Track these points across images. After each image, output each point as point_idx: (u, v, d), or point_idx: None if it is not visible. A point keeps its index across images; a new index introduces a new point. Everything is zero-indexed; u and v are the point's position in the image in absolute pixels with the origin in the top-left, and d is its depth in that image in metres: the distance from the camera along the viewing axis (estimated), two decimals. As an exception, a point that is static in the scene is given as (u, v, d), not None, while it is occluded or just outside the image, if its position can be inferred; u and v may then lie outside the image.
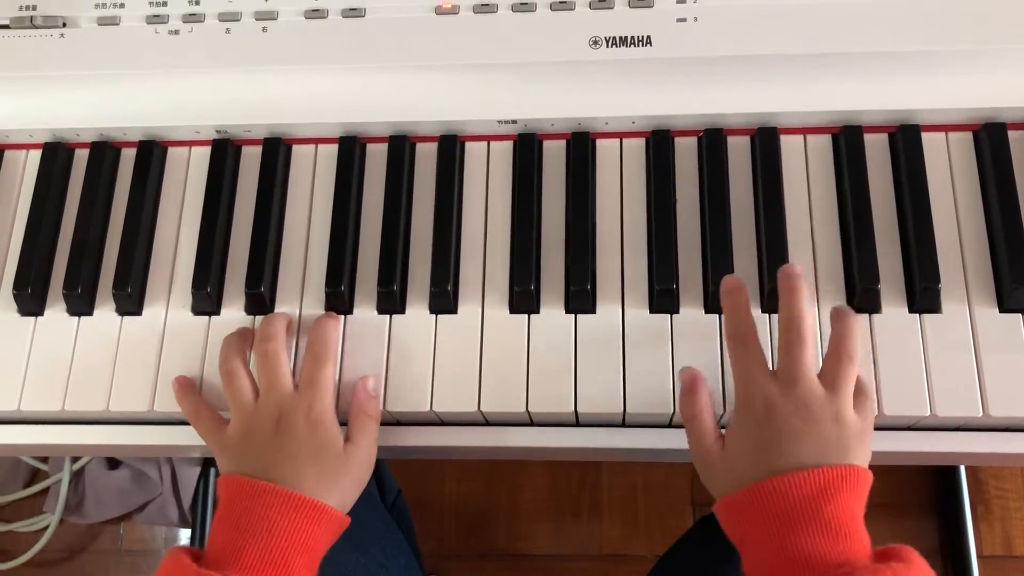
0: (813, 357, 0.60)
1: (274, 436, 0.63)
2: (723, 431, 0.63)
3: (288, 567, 0.59)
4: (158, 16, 0.74)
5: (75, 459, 1.40)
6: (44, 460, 1.45)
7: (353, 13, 0.73)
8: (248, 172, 0.76)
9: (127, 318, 0.73)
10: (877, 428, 0.66)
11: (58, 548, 1.44)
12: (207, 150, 0.77)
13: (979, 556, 1.32)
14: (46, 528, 1.40)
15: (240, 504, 0.61)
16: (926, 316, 0.67)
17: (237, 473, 0.63)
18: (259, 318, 0.71)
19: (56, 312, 0.73)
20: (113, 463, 1.42)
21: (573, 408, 0.67)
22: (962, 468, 1.34)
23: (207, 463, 1.41)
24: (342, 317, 0.70)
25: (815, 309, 0.68)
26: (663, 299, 0.68)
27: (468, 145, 0.75)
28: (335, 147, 0.76)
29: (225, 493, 0.63)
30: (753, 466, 0.58)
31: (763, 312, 0.68)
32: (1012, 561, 1.35)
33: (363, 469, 0.66)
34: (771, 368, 0.61)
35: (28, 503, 1.46)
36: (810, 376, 0.59)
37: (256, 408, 0.65)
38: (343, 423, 0.67)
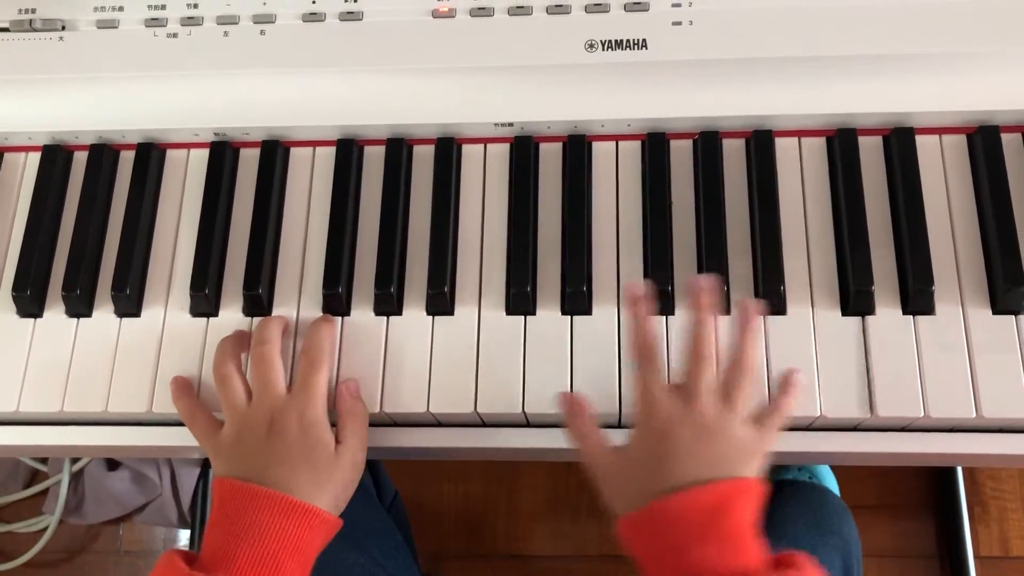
0: (713, 374, 0.61)
1: (266, 439, 0.64)
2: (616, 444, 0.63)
3: (279, 570, 0.59)
4: (157, 19, 0.75)
5: (74, 460, 1.41)
6: (43, 461, 1.46)
7: (350, 16, 0.73)
8: (246, 174, 0.77)
9: (126, 319, 0.73)
10: (871, 429, 0.67)
11: (57, 549, 1.44)
12: (205, 152, 0.77)
13: (976, 557, 1.32)
14: (45, 529, 1.40)
15: (233, 507, 0.62)
16: (920, 318, 0.67)
17: (230, 476, 0.63)
18: (257, 320, 0.72)
19: (55, 313, 0.74)
20: (112, 464, 1.42)
21: (570, 409, 0.67)
22: (959, 469, 1.34)
23: (206, 464, 1.41)
24: (338, 321, 0.71)
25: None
26: (659, 301, 0.68)
27: (465, 148, 0.76)
28: (333, 149, 0.76)
29: (219, 495, 0.63)
30: (651, 481, 0.59)
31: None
32: (1009, 562, 1.35)
33: (355, 471, 0.66)
34: (670, 382, 0.63)
35: (28, 504, 1.46)
36: (707, 393, 0.60)
37: (249, 411, 0.65)
38: (333, 425, 0.67)
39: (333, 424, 0.67)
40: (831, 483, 0.89)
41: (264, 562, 0.59)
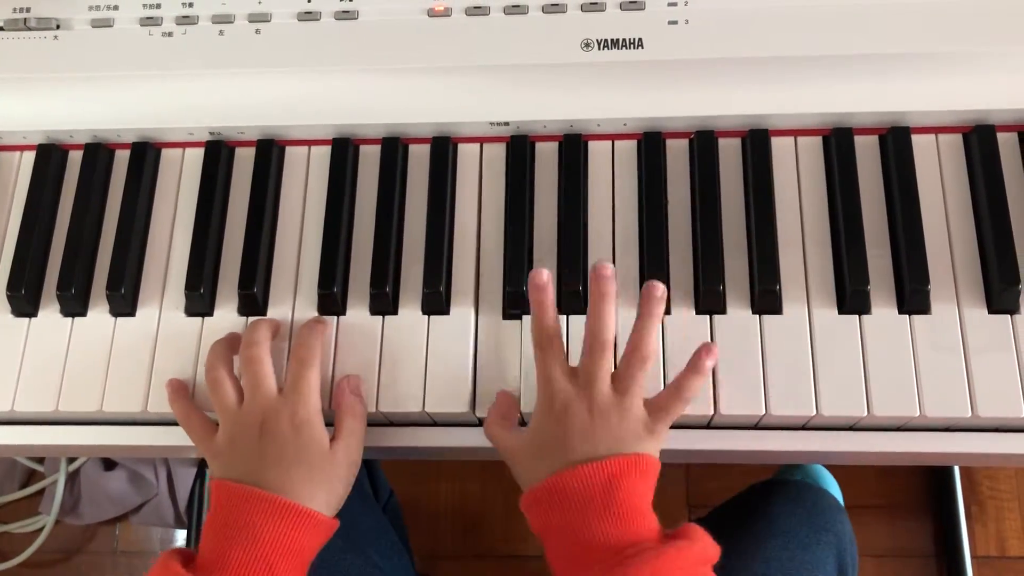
0: (610, 361, 0.63)
1: (259, 440, 0.64)
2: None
3: (272, 572, 0.59)
4: (152, 18, 0.75)
5: (71, 460, 1.41)
6: (40, 461, 1.45)
7: (346, 15, 0.73)
8: (241, 173, 0.77)
9: (121, 319, 0.73)
10: (868, 429, 0.67)
11: (54, 549, 1.44)
12: (200, 151, 0.77)
13: (973, 557, 1.32)
14: (42, 529, 1.40)
15: (227, 509, 0.62)
16: (915, 317, 0.67)
17: (226, 478, 0.63)
18: (252, 319, 0.71)
19: (50, 313, 0.74)
20: (109, 464, 1.42)
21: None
22: (956, 469, 1.34)
23: (203, 464, 1.41)
24: (334, 320, 0.71)
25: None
26: (654, 300, 0.68)
27: (461, 147, 0.76)
28: (328, 149, 0.76)
29: (215, 497, 0.63)
30: (552, 460, 0.61)
31: (753, 313, 0.68)
32: (1006, 562, 1.35)
33: (350, 469, 0.66)
34: (570, 366, 0.65)
35: (24, 504, 1.46)
36: (602, 381, 0.62)
37: (241, 413, 0.65)
38: (330, 423, 0.67)
39: (328, 423, 0.66)
40: (831, 485, 0.89)
41: (257, 564, 0.59)
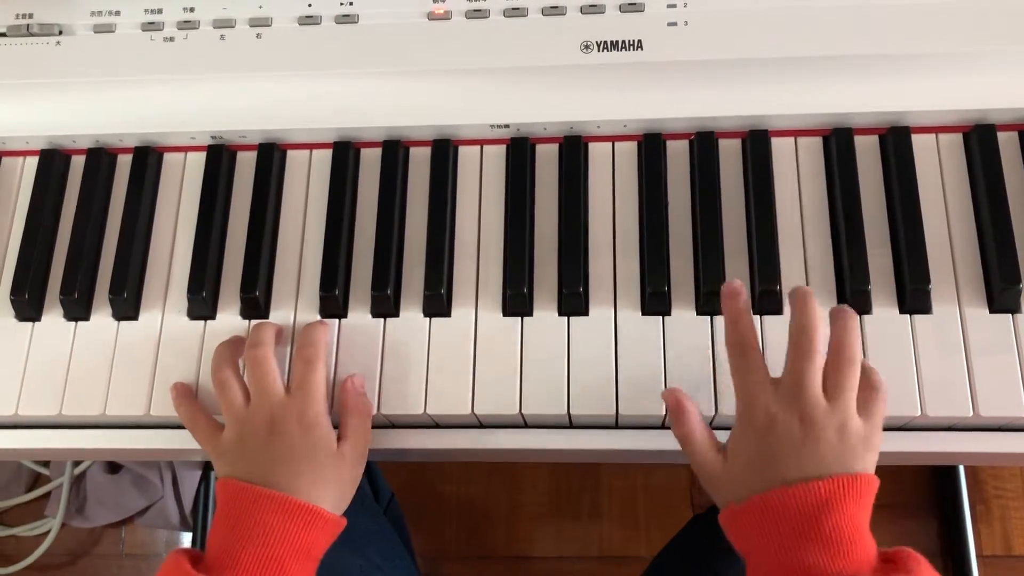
0: (820, 368, 0.59)
1: (268, 440, 0.64)
2: (721, 442, 0.62)
3: (284, 571, 0.60)
4: (153, 23, 0.75)
5: (76, 463, 1.41)
6: (46, 465, 1.46)
7: (346, 19, 0.73)
8: (243, 177, 0.77)
9: (124, 323, 0.73)
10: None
11: (60, 552, 1.44)
12: (202, 156, 0.77)
13: (979, 556, 1.32)
14: (48, 532, 1.41)
15: (236, 509, 0.62)
16: (916, 317, 0.67)
17: (233, 477, 0.63)
18: (254, 323, 0.72)
19: (53, 317, 0.74)
20: (114, 467, 1.43)
21: (566, 410, 0.67)
22: (961, 468, 1.34)
23: (208, 466, 1.42)
24: (335, 323, 0.71)
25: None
26: (655, 301, 0.68)
27: (461, 149, 0.76)
28: (329, 152, 0.76)
29: (222, 497, 0.63)
30: (756, 478, 0.58)
31: (754, 314, 0.68)
32: (1012, 561, 1.35)
33: (357, 468, 0.67)
34: (771, 376, 0.60)
35: (30, 507, 1.46)
36: (813, 388, 0.58)
37: (248, 414, 0.66)
38: (335, 423, 0.67)
39: (333, 423, 0.67)
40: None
41: (268, 564, 0.59)
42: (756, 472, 0.58)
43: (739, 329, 0.61)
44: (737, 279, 0.63)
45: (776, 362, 0.65)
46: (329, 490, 0.64)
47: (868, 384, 0.60)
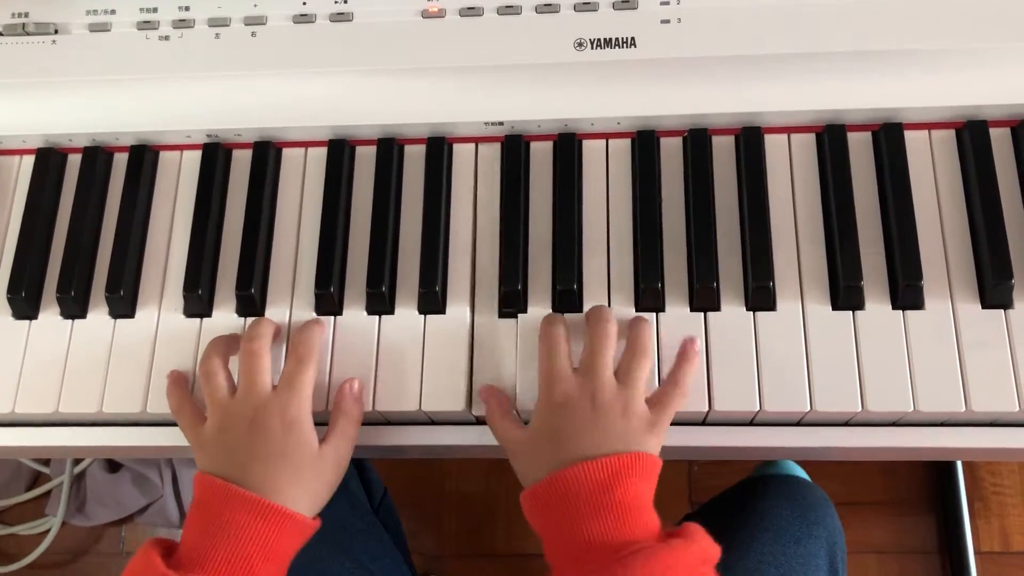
0: (611, 357, 0.64)
1: (248, 435, 0.64)
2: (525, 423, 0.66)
3: (252, 571, 0.60)
4: (149, 22, 0.75)
5: (77, 462, 1.41)
6: (46, 463, 1.46)
7: (341, 18, 0.74)
8: (239, 175, 0.77)
9: (120, 321, 0.73)
10: (862, 424, 0.67)
11: (60, 551, 1.45)
12: (198, 154, 0.77)
13: (977, 552, 1.32)
14: (48, 531, 1.41)
15: (209, 505, 0.62)
16: (909, 313, 0.67)
17: (211, 472, 0.64)
18: (250, 320, 0.72)
19: (50, 315, 0.74)
20: (114, 466, 1.43)
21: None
22: (959, 465, 1.34)
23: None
24: (330, 320, 0.71)
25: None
26: (649, 297, 0.69)
27: (456, 147, 0.76)
28: (324, 150, 0.76)
29: (198, 491, 0.64)
30: (551, 455, 0.61)
31: (747, 310, 0.69)
32: (1009, 557, 1.35)
33: (337, 471, 0.67)
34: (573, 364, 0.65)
35: (30, 506, 1.47)
36: (604, 371, 0.63)
37: (232, 405, 0.66)
38: (323, 423, 0.67)
39: (319, 423, 0.67)
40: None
41: (237, 563, 0.60)
42: (551, 449, 0.62)
43: (551, 315, 0.67)
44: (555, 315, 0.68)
45: (770, 359, 0.66)
46: (305, 491, 0.64)
47: (671, 381, 0.65)
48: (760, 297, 0.68)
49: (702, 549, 0.58)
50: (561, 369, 0.64)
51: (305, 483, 0.64)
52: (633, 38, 0.71)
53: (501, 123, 0.74)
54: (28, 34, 0.75)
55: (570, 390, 0.63)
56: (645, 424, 0.62)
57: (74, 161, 0.79)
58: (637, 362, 0.64)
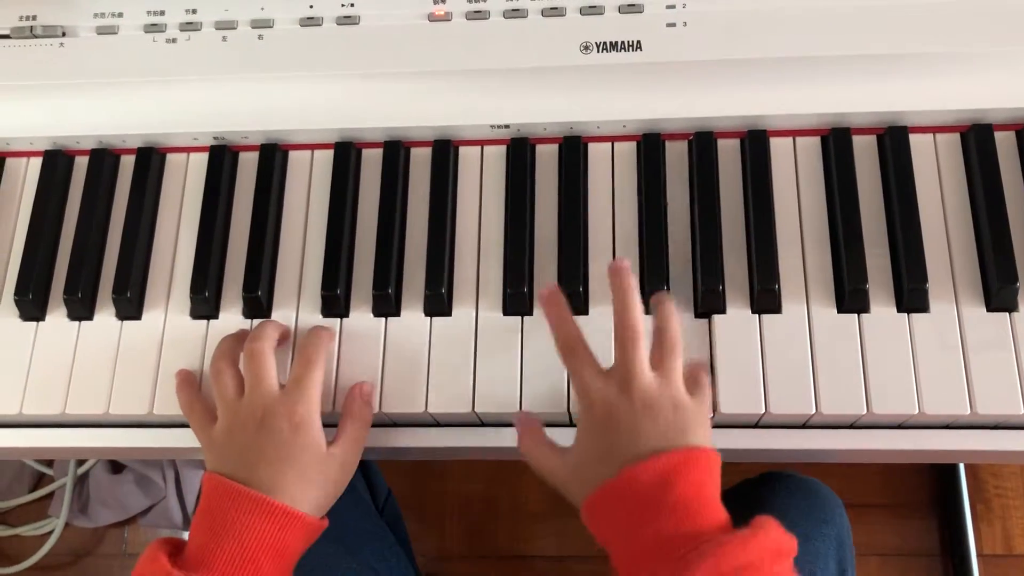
0: (645, 351, 0.61)
1: (256, 435, 0.64)
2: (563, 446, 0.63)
3: (258, 571, 0.60)
4: (156, 25, 0.75)
5: (80, 463, 1.42)
6: (49, 464, 1.46)
7: (347, 21, 0.74)
8: (245, 178, 0.77)
9: (127, 323, 0.74)
10: (867, 426, 0.67)
11: (63, 552, 1.45)
12: (205, 156, 0.78)
13: (979, 555, 1.32)
14: (51, 532, 1.41)
15: (216, 504, 0.62)
16: (914, 315, 0.67)
17: (219, 472, 0.64)
18: (257, 322, 0.72)
19: (57, 317, 0.74)
20: (117, 467, 1.43)
21: (567, 408, 0.68)
22: (961, 467, 1.34)
23: (210, 466, 1.42)
24: (337, 323, 0.71)
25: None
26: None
27: (462, 150, 0.76)
28: (331, 153, 0.76)
29: (206, 491, 0.64)
30: (604, 467, 0.58)
31: (752, 312, 0.69)
32: (1013, 560, 1.35)
33: (344, 473, 0.67)
34: (602, 368, 0.62)
35: (33, 507, 1.47)
36: (644, 370, 0.60)
37: (240, 405, 0.66)
38: (332, 425, 0.67)
39: (326, 425, 0.67)
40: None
41: (243, 563, 0.60)
42: (603, 461, 0.59)
43: (564, 330, 0.63)
44: (552, 283, 0.66)
45: (775, 362, 0.66)
46: (312, 491, 0.64)
47: (695, 364, 0.63)
48: (765, 300, 0.68)
49: (774, 540, 0.55)
50: (594, 381, 0.61)
51: (312, 483, 0.64)
52: (639, 41, 0.71)
53: (507, 126, 0.74)
54: (36, 36, 0.76)
55: (612, 400, 0.60)
56: (694, 415, 0.60)
57: (81, 163, 0.79)
58: (672, 354, 0.61)
